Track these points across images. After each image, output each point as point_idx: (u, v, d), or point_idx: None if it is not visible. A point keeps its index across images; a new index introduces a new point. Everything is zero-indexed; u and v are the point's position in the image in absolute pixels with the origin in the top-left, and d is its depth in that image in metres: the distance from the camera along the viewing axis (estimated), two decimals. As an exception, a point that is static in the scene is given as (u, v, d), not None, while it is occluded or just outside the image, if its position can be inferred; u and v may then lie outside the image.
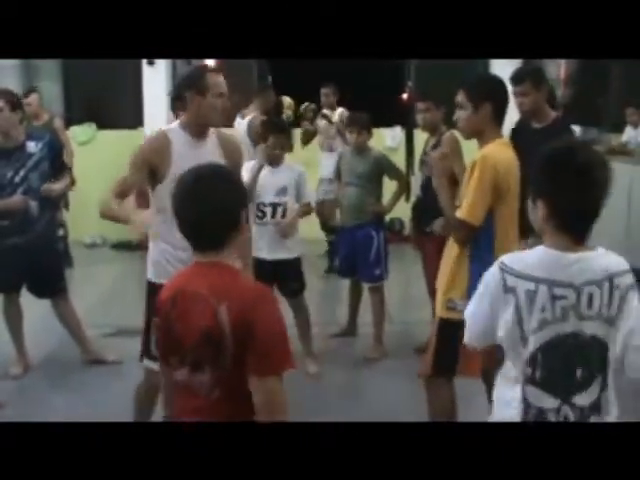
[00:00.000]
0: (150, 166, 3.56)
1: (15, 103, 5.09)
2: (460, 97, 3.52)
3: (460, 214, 3.43)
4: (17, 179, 5.04)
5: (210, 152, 3.61)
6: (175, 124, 3.69)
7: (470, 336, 2.48)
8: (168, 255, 3.62)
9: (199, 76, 3.58)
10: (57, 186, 5.16)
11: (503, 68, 8.61)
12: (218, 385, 2.22)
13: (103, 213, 3.61)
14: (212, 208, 2.23)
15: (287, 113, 8.03)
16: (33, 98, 8.29)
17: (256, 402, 2.16)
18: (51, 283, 5.34)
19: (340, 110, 8.37)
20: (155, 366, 3.65)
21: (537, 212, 2.29)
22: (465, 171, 4.49)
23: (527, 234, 3.31)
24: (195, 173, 2.31)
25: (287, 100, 8.34)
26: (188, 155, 3.48)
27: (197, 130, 3.62)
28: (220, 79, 3.58)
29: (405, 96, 9.64)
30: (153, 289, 3.57)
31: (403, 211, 6.19)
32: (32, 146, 5.10)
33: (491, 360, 2.67)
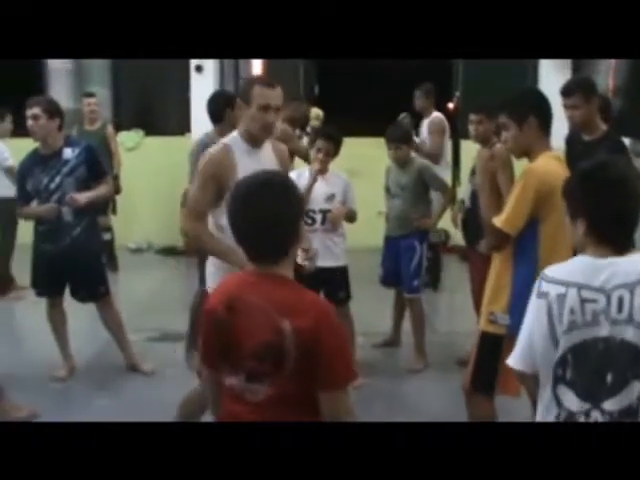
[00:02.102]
0: (218, 180, 3.54)
1: (53, 111, 5.11)
2: (502, 119, 3.49)
3: (497, 221, 3.40)
4: (52, 186, 5.08)
5: (268, 160, 3.67)
6: (235, 134, 3.71)
7: (514, 357, 2.47)
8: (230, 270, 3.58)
9: (247, 86, 3.65)
10: (82, 196, 5.07)
11: (550, 77, 8.58)
12: (274, 395, 2.20)
13: (198, 243, 3.67)
14: (274, 218, 2.18)
15: (314, 124, 7.95)
16: (93, 101, 8.44)
17: (324, 415, 2.19)
18: (91, 288, 5.36)
19: (435, 115, 7.80)
20: None
21: (576, 230, 2.35)
22: (509, 181, 4.46)
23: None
24: (254, 182, 2.26)
25: (315, 111, 8.28)
26: (249, 164, 3.52)
27: (253, 139, 3.66)
28: (269, 92, 3.58)
29: (450, 106, 9.56)
30: None
31: (448, 222, 6.16)
32: (68, 152, 5.12)
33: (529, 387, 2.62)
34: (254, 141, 3.66)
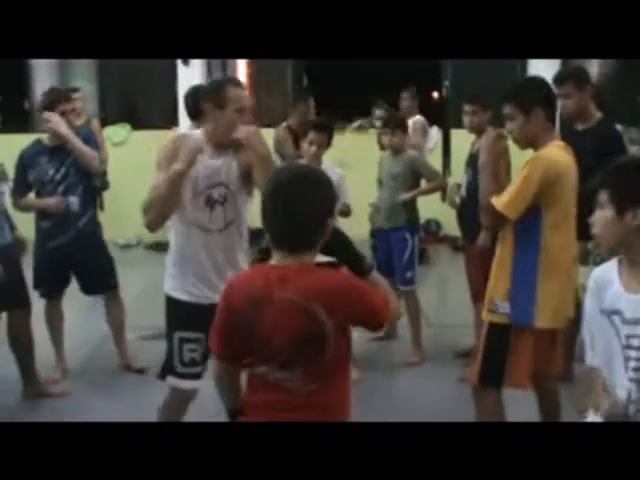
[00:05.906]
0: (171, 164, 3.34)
1: None
2: (508, 109, 3.42)
3: (496, 202, 3.34)
4: (58, 177, 5.07)
5: (228, 165, 3.47)
6: (200, 132, 3.51)
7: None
8: (189, 271, 3.53)
9: (218, 88, 3.41)
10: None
11: (539, 68, 8.54)
12: (316, 379, 2.24)
13: (154, 199, 3.44)
14: (306, 211, 2.21)
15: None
16: (78, 96, 8.35)
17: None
18: (103, 279, 5.33)
19: (417, 118, 8.28)
20: (179, 383, 3.63)
21: (625, 222, 2.30)
22: (506, 168, 4.39)
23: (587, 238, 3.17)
24: (290, 173, 2.33)
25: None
26: (212, 167, 3.41)
27: (218, 143, 3.43)
28: (244, 93, 3.43)
29: (435, 95, 9.56)
30: (172, 304, 3.56)
31: (439, 212, 6.11)
32: None
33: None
34: (219, 145, 3.43)
